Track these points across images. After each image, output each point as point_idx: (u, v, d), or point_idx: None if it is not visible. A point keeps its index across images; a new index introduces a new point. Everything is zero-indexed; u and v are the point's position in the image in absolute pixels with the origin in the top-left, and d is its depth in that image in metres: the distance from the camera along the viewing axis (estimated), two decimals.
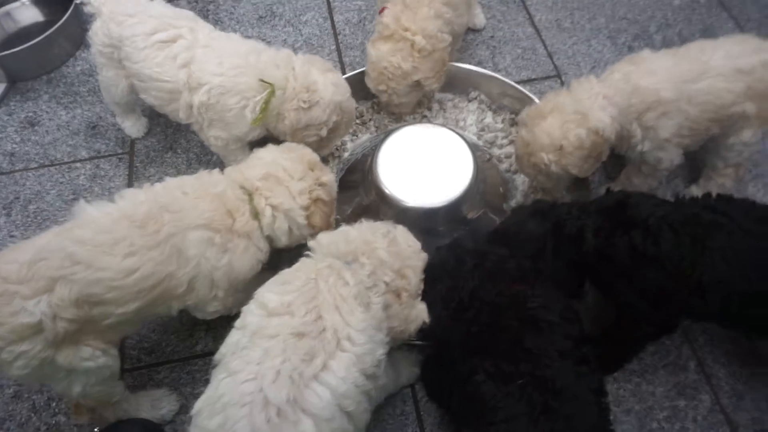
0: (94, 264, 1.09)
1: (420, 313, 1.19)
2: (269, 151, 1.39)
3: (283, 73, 1.47)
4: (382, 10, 1.68)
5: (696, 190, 1.70)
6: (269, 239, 1.32)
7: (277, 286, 1.08)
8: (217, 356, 1.05)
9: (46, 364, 1.09)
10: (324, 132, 1.53)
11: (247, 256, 1.27)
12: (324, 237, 1.20)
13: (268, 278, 1.40)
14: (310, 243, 1.20)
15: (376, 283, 1.12)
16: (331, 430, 0.95)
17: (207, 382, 1.42)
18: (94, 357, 1.15)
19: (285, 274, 1.12)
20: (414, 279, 1.19)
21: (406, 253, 1.20)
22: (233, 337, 1.04)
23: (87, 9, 1.60)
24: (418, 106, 1.88)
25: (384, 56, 1.64)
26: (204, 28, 1.55)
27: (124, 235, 1.14)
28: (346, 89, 1.57)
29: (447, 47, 1.68)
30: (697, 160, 1.72)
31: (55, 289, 1.07)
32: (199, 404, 0.99)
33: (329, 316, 1.01)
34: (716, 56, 1.43)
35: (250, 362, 0.95)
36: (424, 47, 1.60)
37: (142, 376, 1.48)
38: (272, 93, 1.46)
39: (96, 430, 1.33)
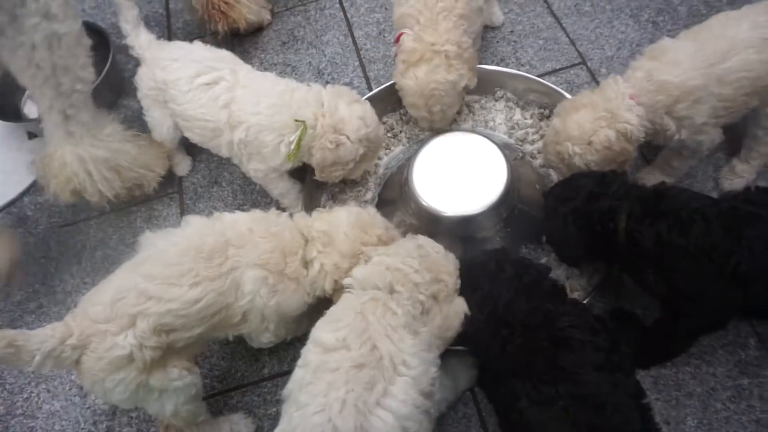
0: (164, 297, 1.22)
1: (459, 306, 1.24)
2: (340, 213, 1.43)
3: (313, 110, 1.54)
4: (398, 38, 1.71)
5: (738, 163, 1.67)
6: (314, 287, 1.38)
7: (329, 324, 1.14)
8: (284, 392, 1.12)
9: (141, 388, 1.23)
10: (351, 165, 1.61)
11: (295, 298, 1.35)
12: (359, 272, 1.24)
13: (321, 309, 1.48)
14: (347, 281, 1.24)
15: (414, 303, 1.16)
16: None
17: (277, 402, 1.55)
18: (181, 377, 1.28)
19: (333, 312, 1.18)
20: (450, 280, 1.25)
21: (438, 260, 1.26)
22: (297, 374, 1.11)
23: (132, 53, 1.71)
24: None
25: (425, 79, 1.65)
26: (243, 68, 1.64)
27: (190, 266, 1.24)
28: (372, 120, 1.62)
29: (470, 47, 1.71)
30: (736, 131, 1.69)
31: (136, 324, 1.20)
32: None
33: (383, 345, 1.07)
34: (742, 29, 1.39)
35: (317, 395, 1.02)
36: (456, 52, 1.63)
37: (218, 402, 1.58)
38: (305, 131, 1.53)
39: None
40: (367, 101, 1.65)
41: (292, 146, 1.55)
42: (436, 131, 1.84)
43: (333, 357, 1.07)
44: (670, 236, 1.19)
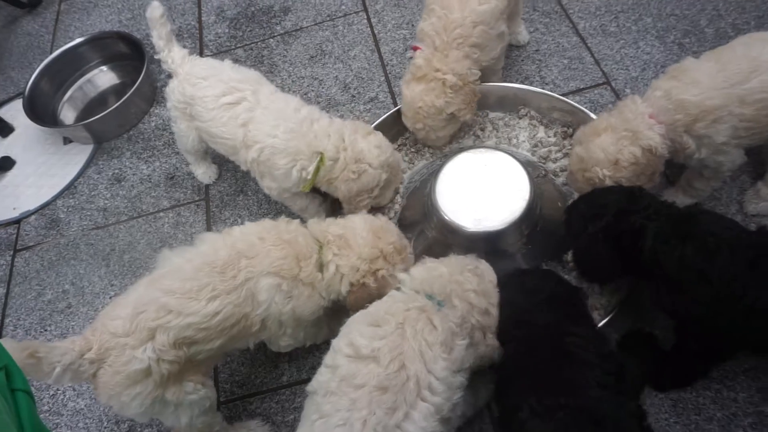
0: (184, 311, 1.24)
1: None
2: (355, 219, 1.45)
3: (334, 143, 1.60)
4: (415, 49, 1.77)
5: (763, 186, 1.66)
6: (330, 291, 1.40)
7: (368, 328, 1.14)
8: (308, 388, 1.14)
9: (157, 402, 1.25)
10: (376, 192, 1.67)
11: (310, 302, 1.37)
12: (417, 272, 1.25)
13: (340, 316, 1.48)
14: (401, 276, 1.25)
15: (464, 323, 1.17)
16: None
17: (295, 410, 1.57)
18: (196, 390, 1.30)
19: (375, 313, 1.17)
20: (495, 313, 1.26)
21: (490, 290, 1.27)
22: (323, 376, 1.12)
23: (164, 67, 1.77)
24: (471, 126, 1.94)
25: (417, 96, 1.73)
26: (266, 89, 1.68)
27: (206, 281, 1.27)
28: (387, 146, 1.68)
29: (477, 80, 1.75)
30: (761, 154, 1.68)
31: (155, 337, 1.22)
32: None
33: (412, 365, 1.07)
34: (766, 50, 1.38)
35: (340, 409, 1.03)
36: (455, 84, 1.69)
37: (237, 407, 1.61)
38: (322, 162, 1.58)
39: None
40: (379, 132, 1.70)
41: (309, 176, 1.60)
42: (459, 147, 1.86)
43: (361, 371, 1.07)
44: (695, 261, 1.19)
